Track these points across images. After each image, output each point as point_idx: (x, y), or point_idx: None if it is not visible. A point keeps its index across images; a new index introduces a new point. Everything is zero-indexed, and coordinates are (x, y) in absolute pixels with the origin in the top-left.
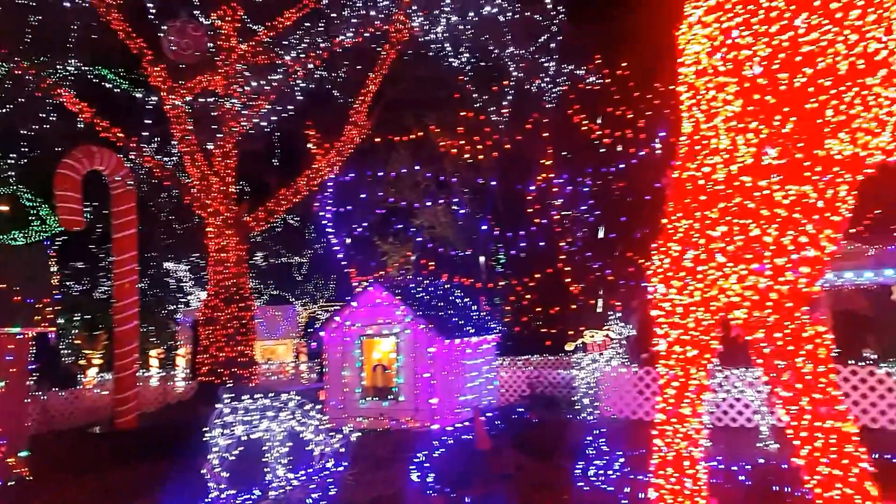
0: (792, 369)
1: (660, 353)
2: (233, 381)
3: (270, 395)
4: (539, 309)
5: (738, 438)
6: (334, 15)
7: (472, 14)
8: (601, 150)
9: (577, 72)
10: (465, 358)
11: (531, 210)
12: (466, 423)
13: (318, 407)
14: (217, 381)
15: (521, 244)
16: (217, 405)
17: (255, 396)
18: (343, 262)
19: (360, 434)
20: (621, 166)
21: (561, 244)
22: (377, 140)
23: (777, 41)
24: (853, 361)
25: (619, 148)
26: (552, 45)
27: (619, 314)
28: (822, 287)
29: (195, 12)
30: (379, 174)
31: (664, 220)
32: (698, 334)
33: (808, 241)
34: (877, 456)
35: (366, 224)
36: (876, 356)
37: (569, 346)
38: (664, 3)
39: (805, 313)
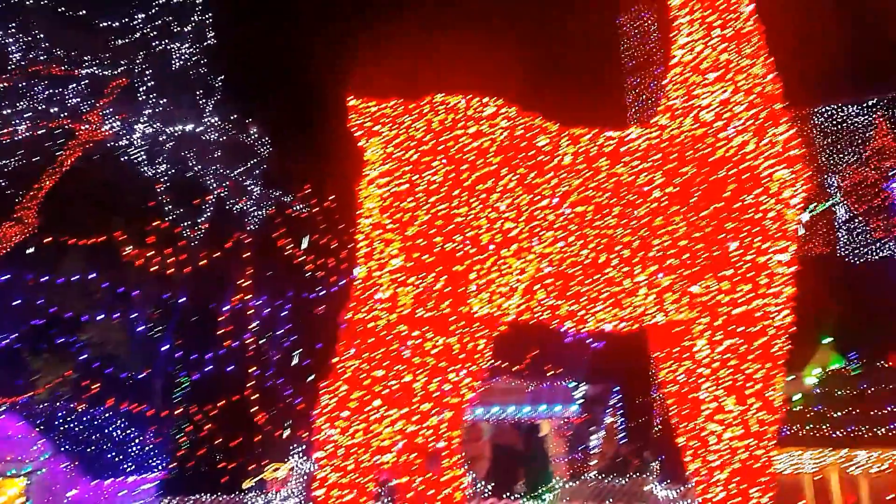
0: None
1: (317, 498)
2: None
3: None
4: (219, 440)
5: None
6: (6, 103)
7: (174, 128)
8: (304, 275)
9: (284, 198)
10: (118, 501)
11: (222, 332)
12: None
13: None
14: None
15: (208, 368)
16: None
17: None
18: None
19: None
20: (321, 293)
21: (251, 369)
22: (47, 240)
23: (435, 210)
24: (507, 495)
25: (321, 274)
26: (257, 170)
27: (304, 446)
28: (487, 420)
29: None
30: (43, 278)
31: (335, 360)
32: (357, 476)
33: (451, 388)
34: None
35: (16, 335)
36: (525, 489)
37: (246, 484)
38: (358, 153)
39: (445, 457)
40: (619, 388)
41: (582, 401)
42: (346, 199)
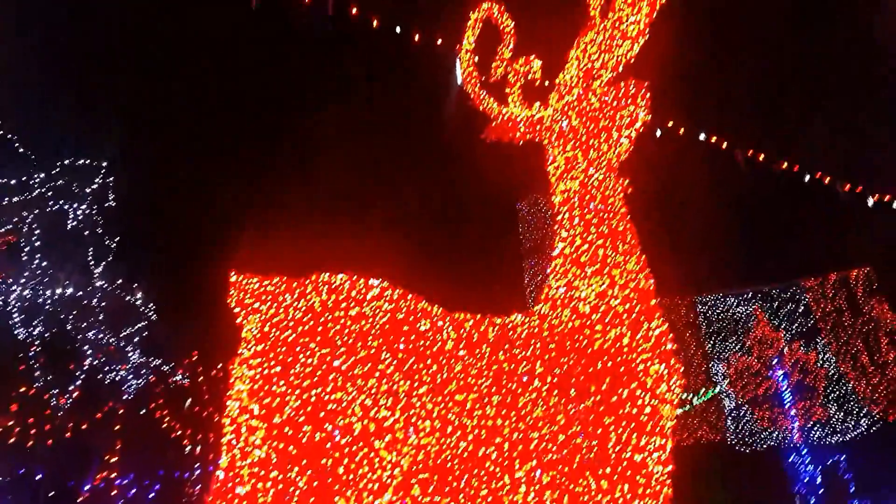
0: None
1: None
2: None
3: None
4: None
5: None
6: None
7: (56, 289)
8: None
9: (166, 367)
10: None
11: None
12: None
13: None
14: None
15: None
16: None
17: None
18: None
19: None
20: (197, 473)
21: None
22: None
23: (307, 396)
24: None
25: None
26: (137, 337)
27: None
28: None
29: None
30: None
31: None
32: None
33: None
34: None
35: None
36: None
37: None
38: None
39: None
40: None
41: None
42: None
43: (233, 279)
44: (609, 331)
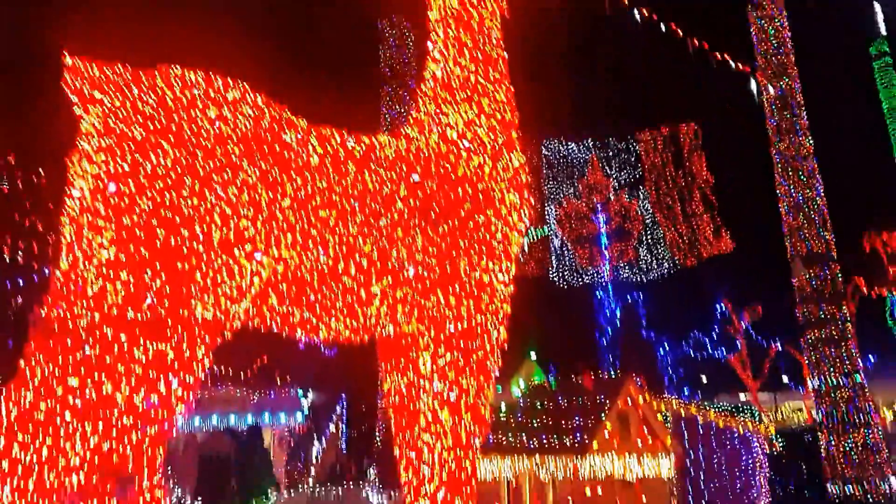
0: None
1: None
2: None
3: None
4: None
5: None
6: None
7: None
8: None
9: None
10: None
11: None
12: None
13: None
14: None
15: None
16: None
17: None
18: None
19: None
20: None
21: None
22: None
23: (160, 198)
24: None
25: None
26: None
27: None
28: (191, 432)
29: None
30: None
31: (21, 363)
32: (38, 499)
33: (160, 401)
34: None
35: None
36: (238, 499)
37: None
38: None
39: (146, 478)
40: (344, 396)
41: (307, 409)
42: (58, 173)
43: (67, 63)
44: (472, 158)
